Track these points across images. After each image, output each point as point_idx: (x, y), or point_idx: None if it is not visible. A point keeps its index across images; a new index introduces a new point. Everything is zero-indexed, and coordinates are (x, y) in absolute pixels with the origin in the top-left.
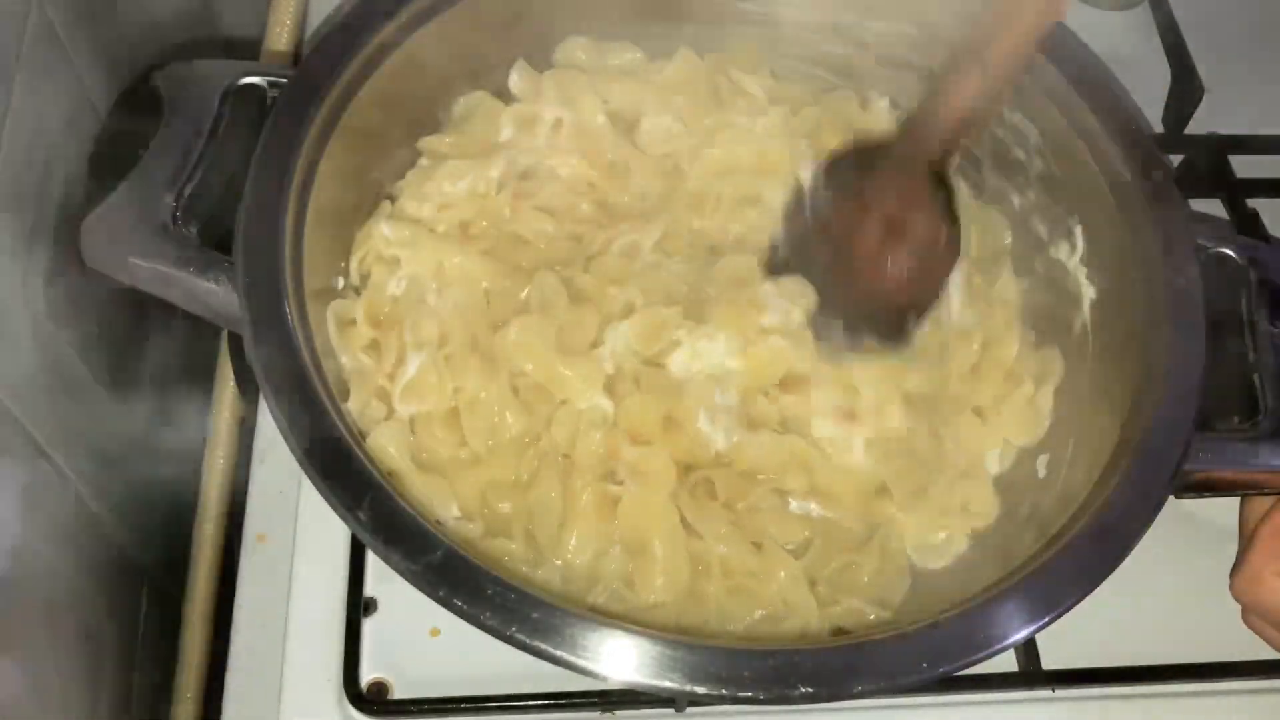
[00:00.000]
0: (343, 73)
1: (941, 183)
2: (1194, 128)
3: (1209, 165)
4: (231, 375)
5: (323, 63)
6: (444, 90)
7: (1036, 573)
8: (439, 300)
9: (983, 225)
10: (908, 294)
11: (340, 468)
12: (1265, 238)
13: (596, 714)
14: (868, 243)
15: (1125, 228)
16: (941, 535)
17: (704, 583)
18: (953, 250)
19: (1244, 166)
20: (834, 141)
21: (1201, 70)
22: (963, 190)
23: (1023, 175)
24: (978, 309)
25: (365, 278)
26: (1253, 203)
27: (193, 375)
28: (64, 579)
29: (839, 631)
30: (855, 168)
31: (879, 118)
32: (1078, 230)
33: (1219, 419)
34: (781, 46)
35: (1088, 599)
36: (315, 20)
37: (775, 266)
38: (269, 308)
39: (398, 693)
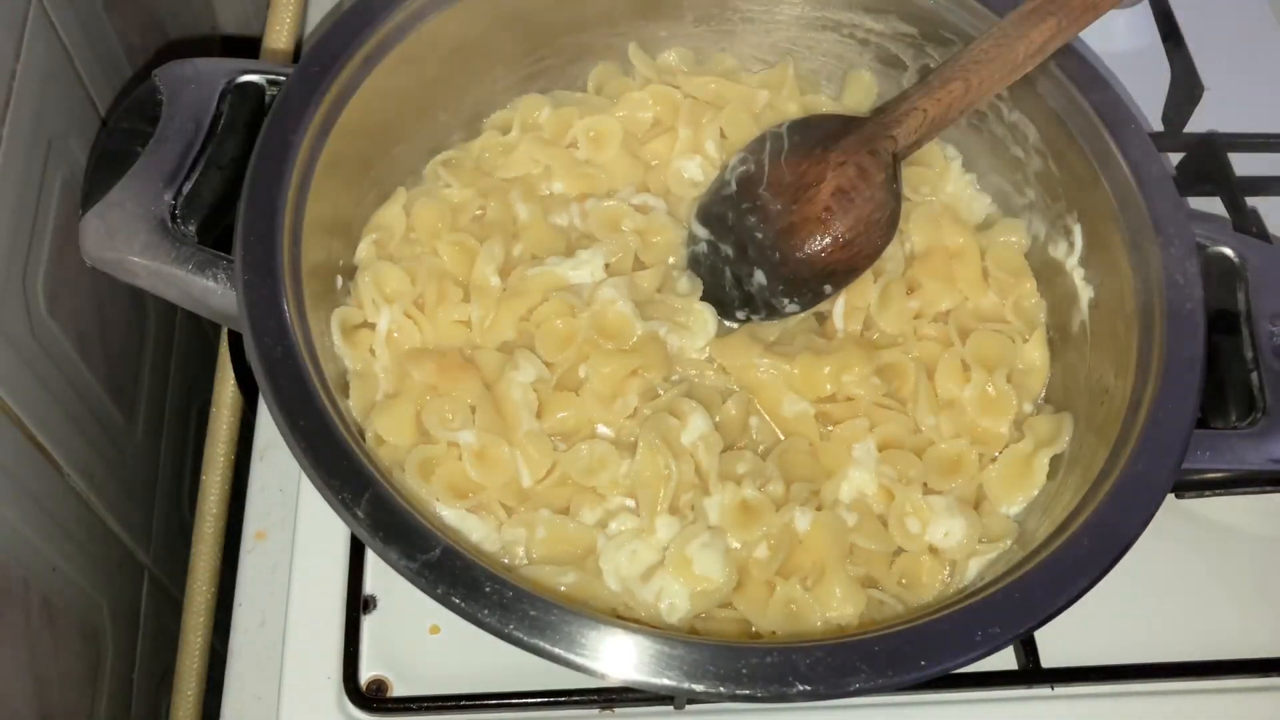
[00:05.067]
0: (342, 70)
1: (896, 167)
2: (1193, 126)
3: (1208, 163)
4: (231, 375)
5: (322, 60)
6: (445, 87)
7: (1035, 570)
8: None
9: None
10: (839, 260)
11: (339, 466)
12: (1264, 236)
13: (596, 711)
14: (816, 201)
15: (1124, 226)
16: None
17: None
18: (890, 228)
19: (1243, 165)
20: None
21: (1201, 69)
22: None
23: (1021, 174)
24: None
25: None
26: (1252, 201)
27: (192, 374)
28: (64, 578)
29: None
30: (822, 132)
31: None
32: (1076, 229)
33: (1217, 417)
34: (780, 45)
35: (1087, 597)
36: (315, 18)
37: (703, 217)
38: (268, 306)
39: (397, 690)
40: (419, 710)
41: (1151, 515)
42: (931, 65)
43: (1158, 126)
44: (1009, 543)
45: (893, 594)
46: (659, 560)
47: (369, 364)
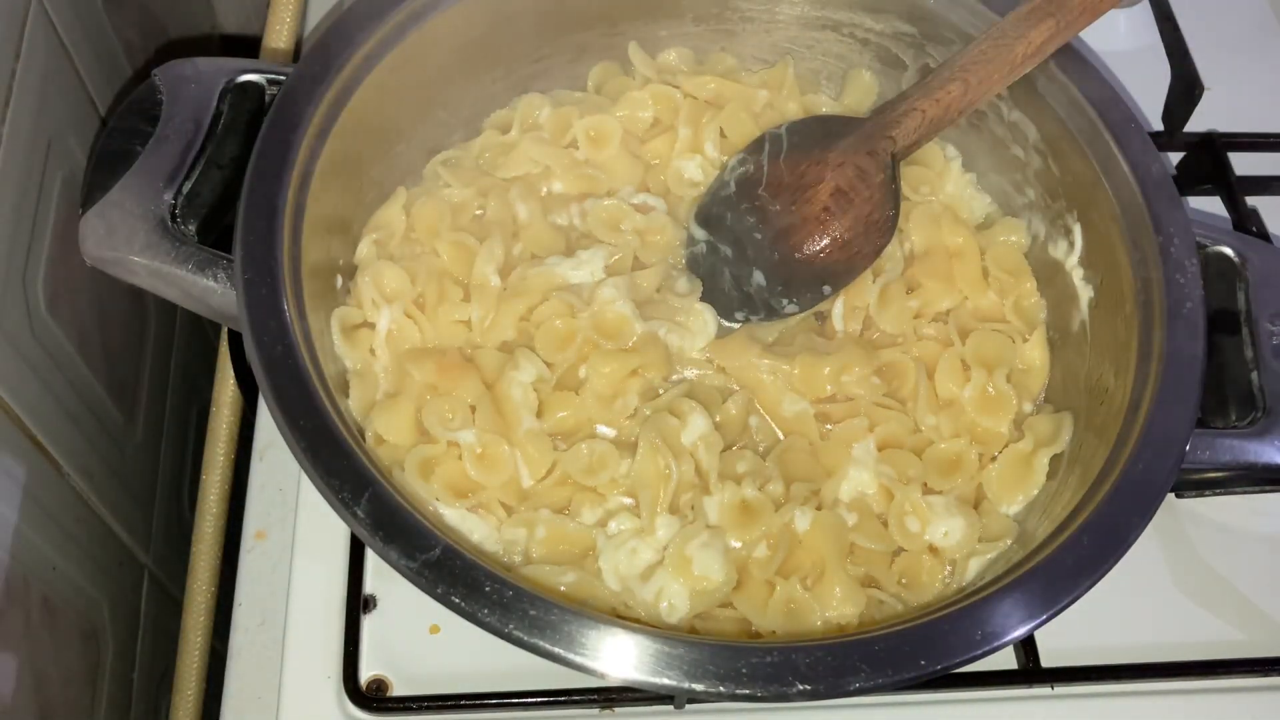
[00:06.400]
0: (342, 69)
1: (895, 167)
2: (1193, 125)
3: (1208, 163)
4: (231, 374)
5: (321, 59)
6: (445, 87)
7: (1035, 570)
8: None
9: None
10: (837, 260)
11: (339, 465)
12: (1264, 235)
13: (596, 711)
14: (815, 202)
15: (1124, 226)
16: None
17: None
18: (889, 228)
19: (1243, 164)
20: None
21: (1201, 68)
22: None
23: (1021, 173)
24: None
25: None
26: (1252, 200)
27: (192, 373)
28: (64, 577)
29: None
30: (821, 133)
31: None
32: (1076, 229)
33: (1217, 416)
34: (780, 44)
35: (1087, 596)
36: (315, 17)
37: (702, 219)
38: (268, 305)
39: (397, 690)
40: (419, 710)
41: (1151, 515)
42: (931, 65)
43: (1158, 126)
44: (1009, 542)
45: (892, 593)
46: (658, 560)
47: (369, 364)
